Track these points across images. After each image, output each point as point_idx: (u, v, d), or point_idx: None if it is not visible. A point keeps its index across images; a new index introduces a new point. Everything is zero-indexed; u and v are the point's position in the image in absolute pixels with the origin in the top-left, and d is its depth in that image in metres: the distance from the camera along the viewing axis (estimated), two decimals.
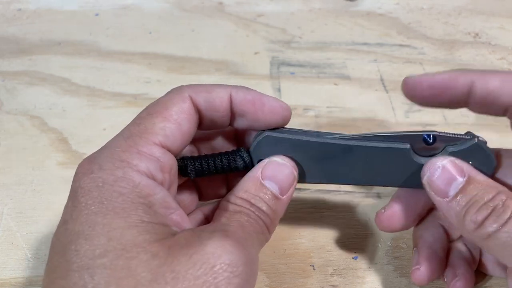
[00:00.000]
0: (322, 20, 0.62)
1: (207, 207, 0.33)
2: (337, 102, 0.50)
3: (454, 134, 0.30)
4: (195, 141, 0.32)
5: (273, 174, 0.30)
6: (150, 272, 0.23)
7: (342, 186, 0.42)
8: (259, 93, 0.31)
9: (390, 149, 0.30)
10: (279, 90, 0.51)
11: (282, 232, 0.38)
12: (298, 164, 0.31)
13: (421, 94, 0.30)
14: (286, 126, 0.32)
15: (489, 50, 0.58)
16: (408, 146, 0.30)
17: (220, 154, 0.31)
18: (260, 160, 0.31)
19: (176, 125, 0.28)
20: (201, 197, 0.34)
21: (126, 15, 0.62)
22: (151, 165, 0.27)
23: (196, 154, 0.33)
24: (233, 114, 0.31)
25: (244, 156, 0.31)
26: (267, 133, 0.30)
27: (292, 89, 0.52)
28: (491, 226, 0.26)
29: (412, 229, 0.36)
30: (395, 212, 0.32)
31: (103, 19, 0.62)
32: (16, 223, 0.39)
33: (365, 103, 0.50)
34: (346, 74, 0.54)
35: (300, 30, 0.60)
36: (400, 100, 0.50)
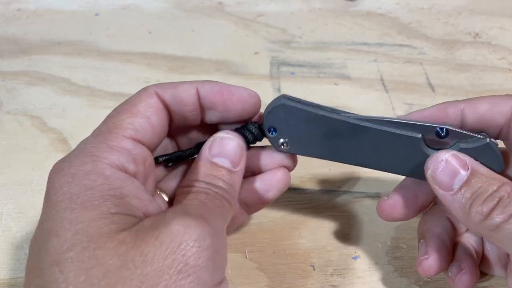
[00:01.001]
0: (322, 20, 0.62)
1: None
2: (337, 102, 0.50)
3: (467, 131, 0.30)
4: (173, 136, 0.33)
5: (221, 150, 0.30)
6: (118, 259, 0.23)
7: (342, 186, 0.42)
8: (226, 84, 0.31)
9: (403, 136, 0.30)
10: (279, 90, 0.51)
11: (282, 232, 0.38)
12: (307, 136, 0.31)
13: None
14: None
15: (489, 50, 0.58)
16: (420, 135, 0.30)
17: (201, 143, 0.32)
18: (271, 129, 0.31)
19: (145, 119, 0.29)
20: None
21: (126, 15, 0.62)
22: (122, 157, 0.27)
23: (176, 150, 0.34)
24: (202, 108, 0.31)
25: (253, 129, 0.31)
26: (283, 101, 0.31)
27: (292, 89, 0.52)
28: (498, 217, 0.26)
29: (412, 229, 0.36)
30: (398, 202, 0.32)
31: (103, 19, 0.62)
32: (16, 223, 0.39)
33: (365, 103, 0.50)
34: (346, 74, 0.54)
35: (300, 30, 0.60)
36: (400, 100, 0.50)
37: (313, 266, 0.36)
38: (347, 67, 0.55)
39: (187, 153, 0.32)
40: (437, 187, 0.29)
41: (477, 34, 0.60)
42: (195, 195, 0.28)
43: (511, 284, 0.30)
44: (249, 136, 0.32)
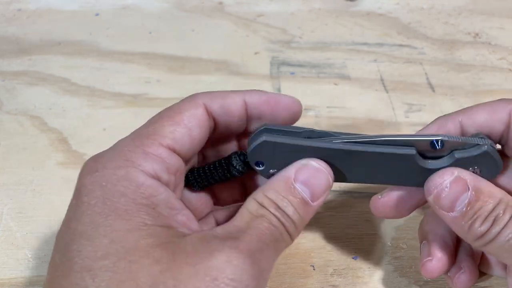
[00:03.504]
0: (322, 20, 0.62)
1: (220, 212, 0.33)
2: (337, 102, 0.50)
3: (463, 138, 0.29)
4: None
5: (307, 178, 0.28)
6: (151, 277, 0.23)
7: (341, 186, 0.42)
8: (272, 93, 0.31)
9: (396, 155, 0.29)
10: (279, 90, 0.51)
11: None
12: None
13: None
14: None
15: (489, 50, 0.58)
16: (414, 151, 0.29)
17: (215, 162, 0.31)
18: (258, 163, 0.29)
19: (186, 130, 0.28)
20: (217, 202, 0.33)
21: (126, 15, 0.62)
22: (157, 165, 0.27)
23: (201, 160, 0.32)
24: (249, 118, 0.31)
25: (235, 164, 0.30)
26: (265, 137, 0.29)
27: (292, 89, 0.52)
28: (490, 233, 0.27)
29: (412, 229, 0.36)
30: (390, 200, 0.32)
31: (103, 19, 0.62)
32: (16, 223, 0.39)
33: (365, 103, 0.50)
34: (346, 74, 0.54)
35: (300, 30, 0.60)
36: (400, 100, 0.50)
37: (313, 266, 0.36)
38: (347, 67, 0.55)
39: (221, 177, 0.31)
40: (437, 208, 0.29)
41: (477, 34, 0.60)
42: (258, 221, 0.26)
43: (511, 284, 0.30)
44: (235, 172, 0.30)
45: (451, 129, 0.31)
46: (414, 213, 0.39)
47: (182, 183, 0.30)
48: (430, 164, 0.29)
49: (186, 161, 0.29)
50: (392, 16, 0.63)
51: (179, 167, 0.28)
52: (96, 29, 0.60)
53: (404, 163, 0.29)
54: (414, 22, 0.62)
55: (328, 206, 0.40)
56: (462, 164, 0.29)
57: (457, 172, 0.29)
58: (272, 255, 0.27)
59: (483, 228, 0.27)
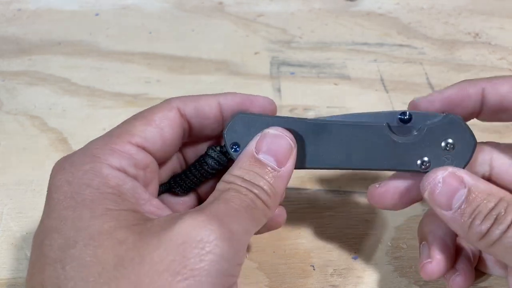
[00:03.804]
0: (322, 20, 0.62)
1: None
2: (337, 102, 0.50)
3: (431, 112, 0.30)
4: (181, 150, 0.33)
5: (268, 147, 0.28)
6: (116, 257, 0.23)
7: (342, 186, 0.42)
8: (245, 94, 0.31)
9: (367, 127, 0.30)
10: (279, 90, 0.51)
11: (282, 232, 0.38)
12: None
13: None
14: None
15: (489, 50, 0.58)
16: (385, 124, 0.30)
17: (194, 162, 0.32)
18: (235, 145, 0.30)
19: (158, 129, 0.29)
20: (201, 202, 0.34)
21: (126, 15, 0.62)
22: (123, 160, 0.27)
23: (185, 167, 0.33)
24: (225, 120, 0.31)
25: (213, 154, 0.31)
26: (241, 113, 0.30)
27: (292, 89, 0.52)
28: (494, 233, 0.27)
29: (412, 229, 0.36)
30: (388, 191, 0.32)
31: (103, 19, 0.62)
32: (16, 223, 0.39)
33: (365, 103, 0.50)
34: (346, 74, 0.54)
35: (300, 30, 0.60)
36: (400, 100, 0.50)
37: (313, 266, 0.36)
38: (347, 67, 0.55)
39: (202, 175, 0.31)
40: (436, 206, 0.29)
41: (477, 34, 0.60)
42: (224, 194, 0.27)
43: (511, 284, 0.30)
44: (212, 163, 0.31)
45: (472, 95, 0.30)
46: (414, 213, 0.39)
47: (155, 180, 0.30)
48: (402, 138, 0.30)
49: (159, 160, 0.30)
50: (392, 16, 0.63)
51: (150, 164, 0.29)
52: (96, 29, 0.60)
53: (378, 137, 0.30)
54: (414, 22, 0.62)
55: (328, 206, 0.40)
56: (432, 133, 0.29)
57: (451, 168, 0.29)
58: (247, 220, 0.26)
59: (484, 226, 0.27)
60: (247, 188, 0.27)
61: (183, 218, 0.24)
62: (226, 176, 0.28)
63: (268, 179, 0.28)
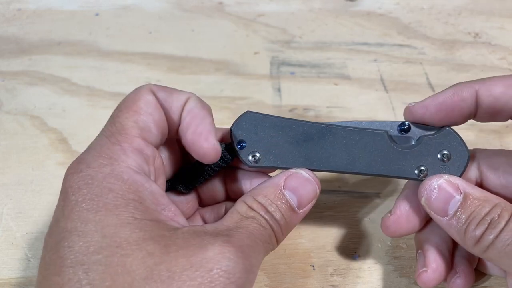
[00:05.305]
0: (322, 20, 0.62)
1: (205, 210, 0.34)
2: (337, 102, 0.50)
3: (427, 125, 0.32)
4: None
5: (296, 186, 0.30)
6: (145, 270, 0.23)
7: (341, 186, 0.42)
8: (202, 121, 0.29)
9: (368, 132, 0.31)
10: (279, 90, 0.51)
11: None
12: (277, 145, 0.31)
13: (431, 119, 0.31)
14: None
15: (489, 50, 0.58)
16: (384, 131, 0.31)
17: (196, 160, 0.31)
18: (241, 142, 0.31)
19: (147, 116, 0.29)
20: (201, 203, 0.34)
21: (126, 15, 0.62)
22: (138, 158, 0.27)
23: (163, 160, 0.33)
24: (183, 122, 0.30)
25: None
26: (248, 112, 0.31)
27: (292, 89, 0.52)
28: (487, 238, 0.27)
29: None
30: (401, 216, 0.32)
31: (103, 19, 0.62)
32: (16, 223, 0.39)
33: (365, 103, 0.50)
34: (346, 74, 0.54)
35: (300, 30, 0.60)
36: (400, 100, 0.50)
37: (313, 266, 0.36)
38: (347, 67, 0.55)
39: (206, 173, 0.32)
40: (432, 213, 0.30)
41: (477, 34, 0.60)
42: (248, 221, 0.28)
43: (511, 284, 0.30)
44: (219, 161, 0.31)
45: (466, 97, 0.31)
46: None
47: (163, 175, 0.30)
48: (401, 147, 0.31)
49: (157, 147, 0.30)
50: (392, 16, 0.63)
51: (155, 156, 0.29)
52: (96, 29, 0.60)
53: (377, 144, 0.31)
54: (414, 22, 0.62)
55: (328, 206, 0.40)
56: (429, 144, 0.31)
57: (447, 176, 0.30)
58: (261, 254, 0.28)
59: (478, 231, 0.27)
60: (267, 222, 0.28)
61: (214, 245, 0.25)
62: (249, 200, 0.29)
63: (287, 217, 0.29)
